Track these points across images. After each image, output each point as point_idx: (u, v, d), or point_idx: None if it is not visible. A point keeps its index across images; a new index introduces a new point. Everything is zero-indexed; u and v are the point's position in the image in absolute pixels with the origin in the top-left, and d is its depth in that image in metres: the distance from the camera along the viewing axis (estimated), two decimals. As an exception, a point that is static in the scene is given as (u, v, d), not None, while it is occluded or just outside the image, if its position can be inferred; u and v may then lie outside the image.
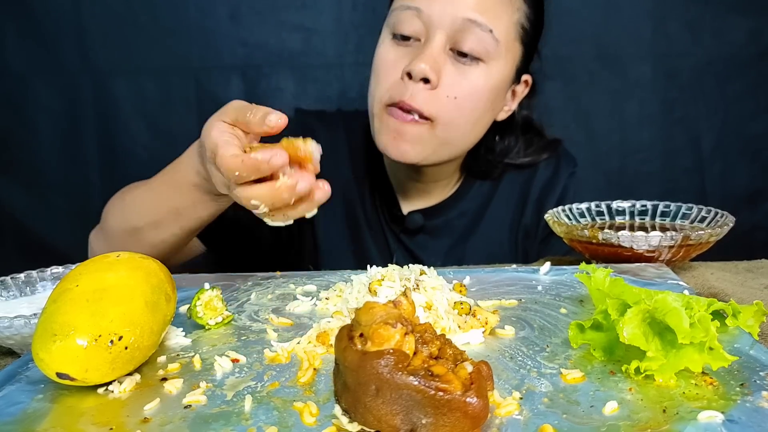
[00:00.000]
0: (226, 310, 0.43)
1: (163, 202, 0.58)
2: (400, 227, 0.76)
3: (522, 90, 0.72)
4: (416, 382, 0.27)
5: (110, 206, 0.66)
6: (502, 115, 0.71)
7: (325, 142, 0.60)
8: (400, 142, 0.63)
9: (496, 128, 0.72)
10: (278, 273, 0.54)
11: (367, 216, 0.76)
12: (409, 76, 0.61)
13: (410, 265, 0.45)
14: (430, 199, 0.76)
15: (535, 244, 0.76)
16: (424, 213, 0.75)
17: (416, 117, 0.62)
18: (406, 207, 0.76)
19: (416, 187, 0.75)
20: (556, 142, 0.78)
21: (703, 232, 0.53)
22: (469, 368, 0.28)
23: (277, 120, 0.43)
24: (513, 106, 0.72)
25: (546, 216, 0.61)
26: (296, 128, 0.56)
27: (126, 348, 0.33)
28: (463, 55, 0.62)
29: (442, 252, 0.75)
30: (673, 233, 0.53)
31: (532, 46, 0.69)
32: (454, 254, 0.75)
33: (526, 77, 0.71)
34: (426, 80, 0.61)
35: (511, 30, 0.64)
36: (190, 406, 0.32)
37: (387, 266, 0.45)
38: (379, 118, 0.65)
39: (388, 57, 0.64)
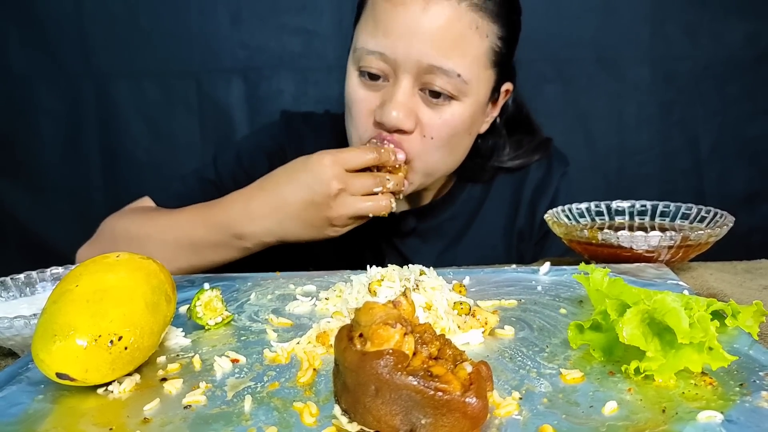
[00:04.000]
0: (226, 310, 0.43)
1: (184, 235, 0.60)
2: (392, 229, 0.75)
3: (502, 99, 0.70)
4: (416, 383, 0.27)
5: (118, 232, 0.66)
6: (484, 127, 0.69)
7: (312, 145, 0.61)
8: None
9: (479, 135, 0.70)
10: (278, 273, 0.54)
11: None
12: (382, 125, 0.60)
13: (410, 265, 0.45)
14: (421, 202, 0.76)
15: (530, 247, 0.76)
16: (416, 214, 0.75)
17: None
18: (398, 209, 0.76)
19: None
20: (547, 142, 0.77)
21: (702, 232, 0.53)
22: (469, 369, 0.28)
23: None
24: (494, 114, 0.70)
25: (545, 216, 0.61)
26: (282, 130, 0.57)
27: (126, 348, 0.33)
28: (434, 95, 0.60)
29: (434, 256, 0.74)
30: (673, 233, 0.53)
31: (509, 59, 0.66)
32: (446, 258, 0.74)
33: (506, 86, 0.69)
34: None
35: (482, 61, 0.61)
36: (190, 406, 0.32)
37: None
38: None
39: (358, 96, 0.62)
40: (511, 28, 0.65)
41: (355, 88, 0.63)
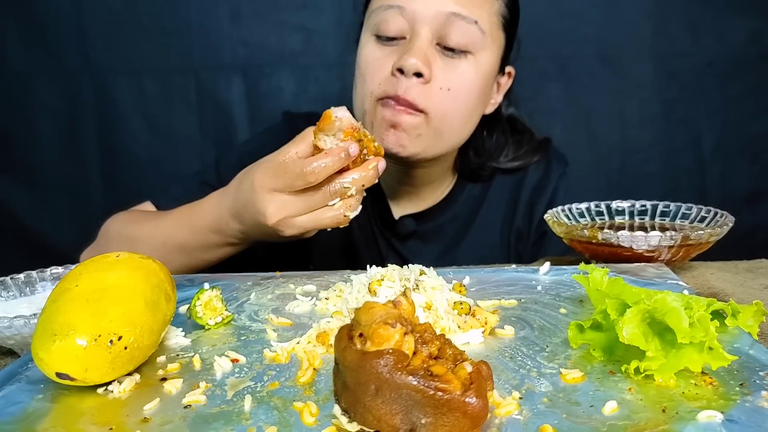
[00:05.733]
0: (226, 310, 0.43)
1: (170, 239, 0.60)
2: (392, 232, 0.75)
3: (506, 82, 0.72)
4: (416, 382, 0.27)
5: (113, 234, 0.66)
6: (489, 108, 0.71)
7: None
8: (398, 132, 0.62)
9: (483, 124, 0.71)
10: (278, 273, 0.54)
11: (359, 221, 0.75)
12: (401, 71, 0.61)
13: (410, 265, 0.45)
14: (421, 203, 0.75)
15: (528, 247, 0.76)
16: (416, 217, 0.75)
17: (410, 109, 0.62)
18: (398, 211, 0.76)
19: (407, 191, 0.74)
20: (546, 143, 0.77)
21: (702, 232, 0.53)
22: (469, 368, 0.28)
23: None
24: (498, 98, 0.72)
25: (546, 216, 0.61)
26: (285, 132, 0.57)
27: (126, 348, 0.33)
28: (450, 49, 0.62)
29: (434, 257, 0.74)
30: (673, 233, 0.53)
31: (512, 34, 0.69)
32: (446, 259, 0.74)
33: (509, 69, 0.71)
34: (418, 74, 0.60)
35: (494, 19, 0.65)
36: (190, 406, 0.32)
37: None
38: (372, 112, 0.64)
39: (374, 56, 0.63)
40: (514, 2, 0.68)
41: (371, 49, 0.64)
